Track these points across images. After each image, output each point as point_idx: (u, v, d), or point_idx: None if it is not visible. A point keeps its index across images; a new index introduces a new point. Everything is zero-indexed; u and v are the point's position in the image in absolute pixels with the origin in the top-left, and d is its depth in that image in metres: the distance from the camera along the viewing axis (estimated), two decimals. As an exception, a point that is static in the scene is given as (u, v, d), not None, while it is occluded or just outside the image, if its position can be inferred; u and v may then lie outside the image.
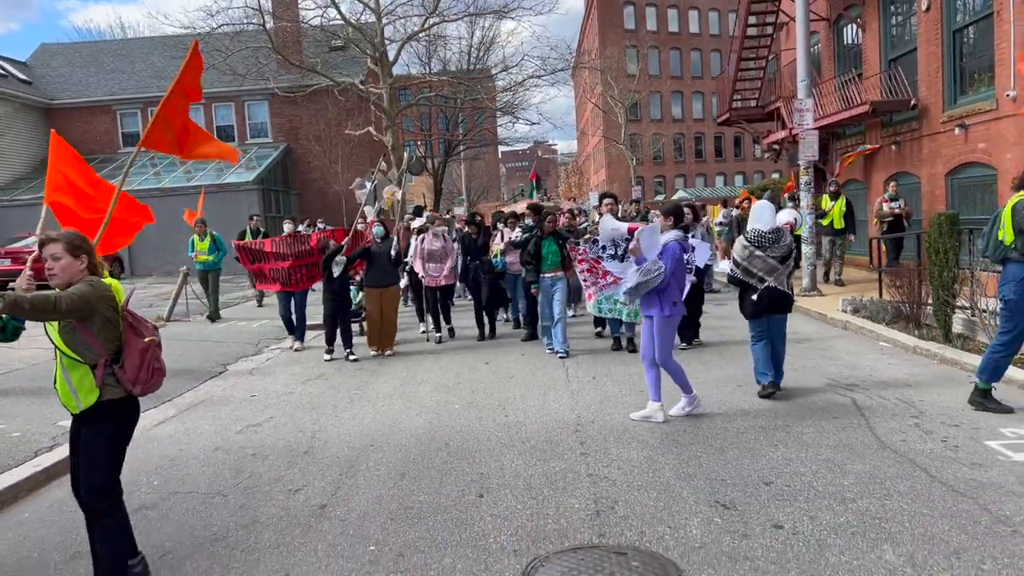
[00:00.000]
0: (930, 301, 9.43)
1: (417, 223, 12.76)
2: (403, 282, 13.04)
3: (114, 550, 3.87)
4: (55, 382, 3.89)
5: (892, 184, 14.66)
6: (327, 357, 10.16)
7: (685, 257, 6.80)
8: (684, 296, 7.04)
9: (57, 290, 3.73)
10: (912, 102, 14.86)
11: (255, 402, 8.04)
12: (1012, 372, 7.09)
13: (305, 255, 10.79)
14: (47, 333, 3.82)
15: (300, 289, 11.11)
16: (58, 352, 3.81)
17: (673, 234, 6.59)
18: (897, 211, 14.18)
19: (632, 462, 5.47)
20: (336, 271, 10.06)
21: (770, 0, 19.40)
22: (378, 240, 10.43)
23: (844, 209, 14.49)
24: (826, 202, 14.81)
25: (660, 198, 52.72)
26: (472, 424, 6.71)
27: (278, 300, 11.51)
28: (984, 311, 8.73)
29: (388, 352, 10.40)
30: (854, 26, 17.83)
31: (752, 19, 20.16)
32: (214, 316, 14.03)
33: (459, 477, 5.34)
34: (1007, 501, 4.47)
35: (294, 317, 11.26)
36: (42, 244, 3.80)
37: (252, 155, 30.41)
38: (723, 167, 66.10)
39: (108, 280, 3.84)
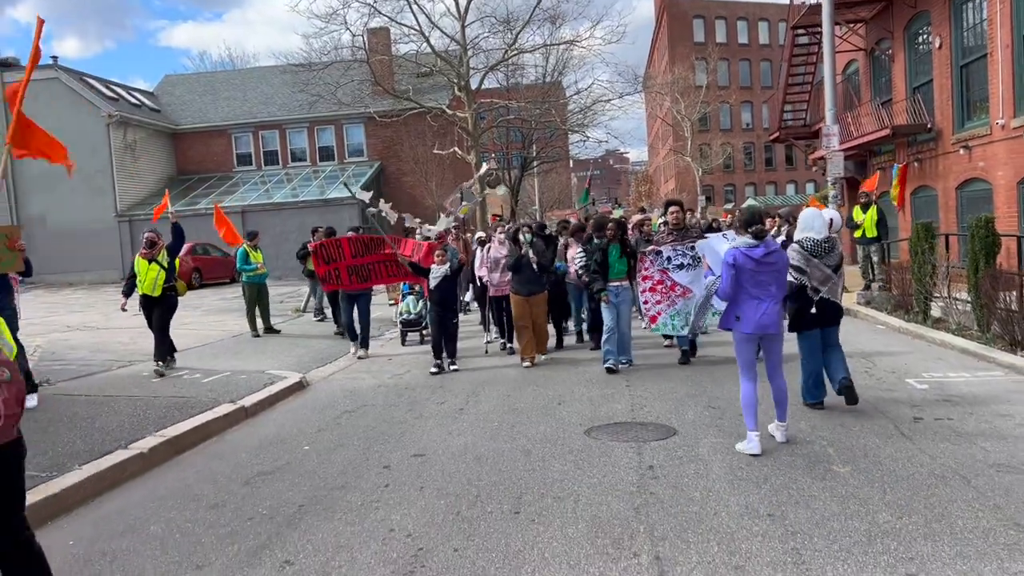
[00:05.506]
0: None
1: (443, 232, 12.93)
2: (468, 295, 14.22)
3: None
4: None
5: None
6: (433, 370, 10.00)
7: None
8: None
9: None
10: (928, 126, 17.13)
11: (393, 362, 11.11)
12: (968, 344, 9.63)
13: (383, 256, 10.78)
14: None
15: (383, 284, 11.27)
16: None
17: (740, 240, 6.15)
18: None
19: (660, 388, 8.27)
20: (433, 283, 10.13)
21: (812, 33, 21.79)
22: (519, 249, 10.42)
23: (876, 218, 16.25)
24: (858, 214, 15.84)
25: (729, 206, 54.72)
26: (551, 373, 9.62)
27: (341, 307, 11.96)
28: (955, 299, 11.14)
29: (542, 357, 10.47)
30: (885, 57, 20.11)
31: (797, 48, 22.54)
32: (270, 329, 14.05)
33: (545, 395, 8.26)
34: (892, 407, 7.10)
35: (358, 326, 11.49)
36: None
37: (350, 172, 34.09)
38: (794, 175, 67.32)
39: None
